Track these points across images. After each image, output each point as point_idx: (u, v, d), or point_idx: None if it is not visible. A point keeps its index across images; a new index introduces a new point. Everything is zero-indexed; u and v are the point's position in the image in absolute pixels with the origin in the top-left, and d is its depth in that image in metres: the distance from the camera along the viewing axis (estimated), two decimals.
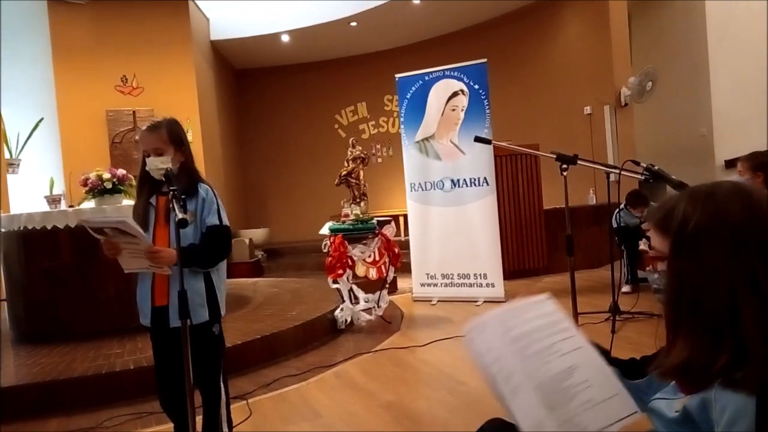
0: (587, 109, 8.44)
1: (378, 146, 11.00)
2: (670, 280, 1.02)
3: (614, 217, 5.48)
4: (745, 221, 0.95)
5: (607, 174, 3.56)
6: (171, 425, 2.45)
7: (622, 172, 2.76)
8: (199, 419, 2.37)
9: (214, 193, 2.33)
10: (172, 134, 2.28)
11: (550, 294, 1.22)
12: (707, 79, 7.56)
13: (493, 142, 3.01)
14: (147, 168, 2.23)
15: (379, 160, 10.87)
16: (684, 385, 1.02)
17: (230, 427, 2.45)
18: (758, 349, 0.90)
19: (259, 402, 3.23)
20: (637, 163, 2.66)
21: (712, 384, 0.93)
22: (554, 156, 2.64)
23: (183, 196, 1.96)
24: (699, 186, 1.06)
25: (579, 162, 2.66)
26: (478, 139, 2.94)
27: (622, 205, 5.43)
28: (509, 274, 6.31)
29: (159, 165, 2.16)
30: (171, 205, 1.97)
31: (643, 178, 2.63)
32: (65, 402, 3.30)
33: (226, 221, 2.32)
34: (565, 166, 2.65)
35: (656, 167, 2.92)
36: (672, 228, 1.02)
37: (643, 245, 4.98)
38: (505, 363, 1.08)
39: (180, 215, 1.84)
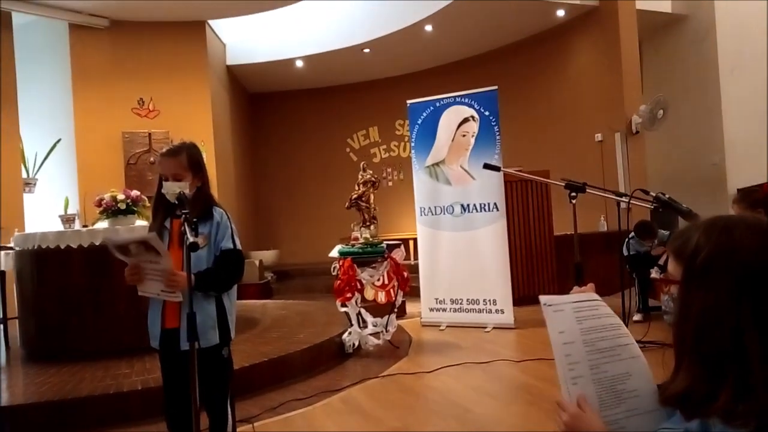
0: (598, 137, 8.45)
1: (389, 170, 11.07)
2: (679, 308, 1.02)
3: (625, 245, 5.45)
4: (758, 256, 0.95)
5: (618, 202, 3.56)
6: None
7: (632, 201, 2.76)
8: None
9: (228, 217, 2.37)
10: (191, 160, 2.33)
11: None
12: (719, 107, 7.56)
13: (502, 169, 3.02)
14: (163, 191, 2.26)
15: (390, 183, 10.93)
16: (686, 414, 1.02)
17: None
18: (761, 386, 0.89)
19: (265, 426, 3.22)
20: (647, 192, 2.67)
21: (712, 415, 0.93)
22: (563, 184, 2.65)
23: (195, 220, 2.00)
24: (720, 217, 1.06)
25: (588, 190, 2.67)
26: (487, 167, 2.96)
27: (632, 234, 5.41)
28: (519, 300, 6.25)
29: (176, 189, 2.19)
30: (183, 228, 2.00)
31: (652, 207, 2.63)
32: (72, 422, 3.30)
33: (239, 245, 2.35)
34: (574, 194, 2.66)
35: (666, 196, 2.92)
36: (685, 256, 1.03)
37: (654, 273, 4.94)
38: (575, 349, 1.11)
39: (191, 239, 1.87)
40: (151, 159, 7.68)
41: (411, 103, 6.15)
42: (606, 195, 2.82)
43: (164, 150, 2.39)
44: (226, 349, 2.37)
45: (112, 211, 4.44)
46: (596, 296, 1.24)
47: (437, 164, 5.94)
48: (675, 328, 1.03)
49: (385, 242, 5.21)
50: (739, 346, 0.92)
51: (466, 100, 5.81)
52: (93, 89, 7.85)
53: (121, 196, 4.45)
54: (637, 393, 1.13)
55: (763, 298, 0.94)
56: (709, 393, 0.93)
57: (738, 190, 3.42)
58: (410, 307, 6.68)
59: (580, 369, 1.10)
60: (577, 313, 1.16)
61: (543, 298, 1.15)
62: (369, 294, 5.37)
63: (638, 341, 3.88)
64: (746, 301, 0.94)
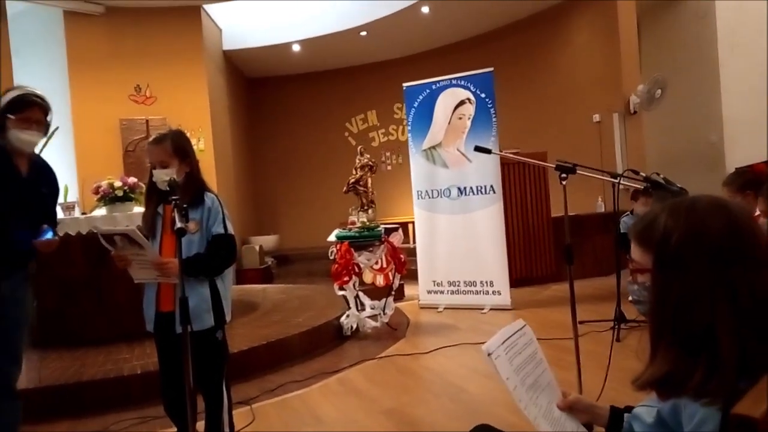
0: (596, 117, 8.42)
1: (387, 154, 11.06)
2: (654, 294, 1.03)
3: (620, 224, 5.46)
4: (727, 237, 0.97)
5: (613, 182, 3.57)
6: (175, 429, 2.50)
7: (622, 181, 2.78)
8: (201, 424, 2.42)
9: (220, 202, 2.40)
10: (176, 147, 2.35)
11: (523, 322, 1.36)
12: (717, 86, 7.51)
13: (492, 151, 3.03)
14: (154, 179, 2.29)
15: (389, 167, 10.93)
16: (662, 395, 1.04)
17: (232, 431, 2.50)
18: (731, 363, 0.91)
19: (263, 407, 3.27)
20: (637, 172, 2.67)
21: (685, 394, 0.96)
22: (553, 166, 2.67)
23: (185, 206, 2.02)
24: (680, 200, 1.07)
25: (578, 171, 2.68)
26: (478, 149, 2.97)
27: (628, 212, 5.42)
28: (516, 282, 6.30)
29: (164, 177, 2.22)
30: (173, 214, 2.03)
31: (642, 187, 2.64)
32: (74, 405, 3.37)
33: (231, 230, 2.39)
34: (564, 175, 2.67)
35: (661, 176, 2.92)
36: (654, 242, 1.03)
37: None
38: (520, 393, 1.24)
39: (179, 224, 1.90)
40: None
41: (407, 86, 6.14)
42: (596, 175, 2.83)
43: (150, 139, 2.42)
44: (220, 332, 2.41)
45: (109, 198, 4.47)
46: (519, 324, 1.35)
47: (434, 147, 5.94)
48: (652, 316, 1.04)
49: (382, 226, 5.24)
50: (713, 326, 0.94)
51: (463, 83, 5.80)
52: (89, 77, 7.82)
53: (118, 183, 4.47)
54: (562, 414, 1.29)
55: (735, 276, 0.96)
56: (687, 375, 0.95)
57: (736, 168, 3.42)
58: (408, 290, 6.73)
59: (531, 409, 1.22)
60: (507, 353, 1.27)
61: (483, 347, 1.25)
62: (367, 277, 5.42)
63: (633, 320, 3.90)
64: (720, 281, 0.96)
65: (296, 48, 9.87)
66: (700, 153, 7.80)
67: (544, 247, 6.78)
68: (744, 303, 0.94)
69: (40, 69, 8.02)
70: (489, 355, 1.23)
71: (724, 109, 7.49)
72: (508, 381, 1.22)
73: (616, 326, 4.10)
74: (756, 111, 7.20)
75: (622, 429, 1.24)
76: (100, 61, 7.88)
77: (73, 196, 6.17)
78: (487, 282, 5.63)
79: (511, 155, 3.72)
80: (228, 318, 2.44)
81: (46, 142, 7.40)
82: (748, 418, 0.83)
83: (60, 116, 8.17)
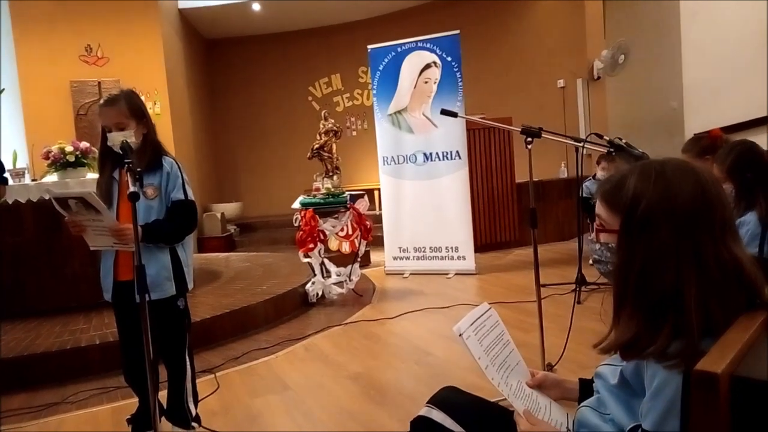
0: (560, 83, 8.46)
1: (352, 119, 10.90)
2: (620, 257, 1.03)
3: (582, 188, 5.54)
4: (695, 201, 0.97)
5: (576, 147, 3.58)
6: (136, 399, 2.45)
7: (587, 146, 2.78)
8: (164, 393, 2.38)
9: (179, 166, 2.30)
10: (131, 107, 2.23)
11: (488, 305, 1.39)
12: (679, 53, 7.60)
13: (458, 115, 2.98)
14: (110, 143, 2.15)
15: (354, 133, 10.79)
16: (625, 357, 1.05)
17: (196, 400, 2.46)
18: (695, 325, 0.92)
19: (227, 375, 3.24)
20: (601, 136, 2.68)
21: (648, 357, 0.96)
22: (519, 129, 2.64)
23: (139, 170, 1.92)
24: (649, 162, 1.06)
25: (544, 135, 2.67)
26: (444, 112, 2.92)
27: (590, 177, 5.50)
28: (481, 247, 6.37)
29: (120, 139, 2.10)
30: (127, 178, 1.93)
31: (606, 150, 2.65)
32: (31, 378, 3.27)
33: (191, 196, 2.30)
34: (530, 139, 2.66)
35: (623, 140, 2.94)
36: (622, 204, 1.02)
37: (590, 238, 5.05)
38: (492, 372, 1.27)
39: (132, 188, 1.80)
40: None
41: (372, 48, 6.00)
42: (561, 140, 2.83)
43: (102, 100, 2.28)
44: (182, 300, 2.35)
45: (60, 163, 4.27)
46: (485, 307, 1.38)
47: (399, 112, 5.87)
48: (617, 278, 1.04)
49: (348, 193, 5.18)
50: (678, 291, 0.94)
51: (428, 45, 5.70)
52: (36, 35, 7.38)
53: (69, 148, 4.26)
54: (533, 391, 1.32)
55: (700, 240, 0.96)
56: (651, 338, 0.95)
57: (694, 134, 3.48)
58: (374, 257, 6.74)
59: (503, 387, 1.25)
60: (477, 333, 1.29)
61: (454, 328, 1.26)
62: (333, 244, 5.37)
63: (593, 283, 3.99)
64: (686, 245, 0.96)
65: (256, 7, 9.50)
66: (660, 119, 7.95)
67: (508, 213, 6.85)
68: (709, 267, 0.95)
69: None
70: (460, 335, 1.25)
71: (684, 75, 7.61)
72: (480, 360, 1.25)
73: (578, 289, 4.20)
74: (715, 77, 7.35)
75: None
76: (47, 18, 7.42)
77: (22, 162, 5.87)
78: (452, 248, 5.67)
79: (478, 119, 3.69)
80: (190, 286, 2.37)
81: None
82: (710, 373, 0.83)
83: (6, 78, 7.77)
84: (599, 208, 1.11)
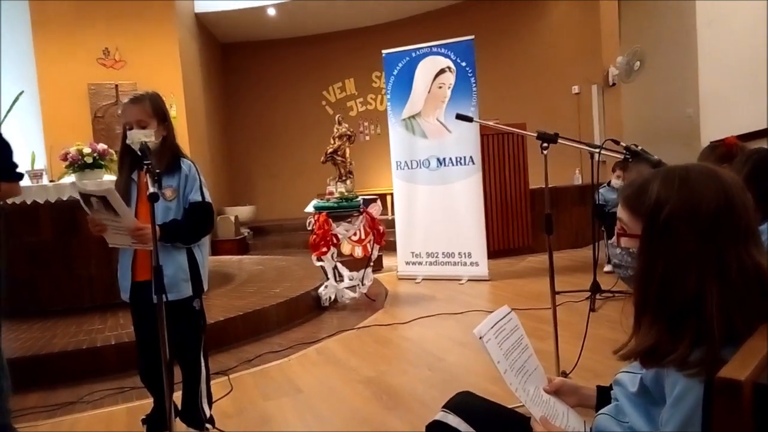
0: (575, 89, 8.42)
1: (366, 124, 10.93)
2: (641, 263, 1.02)
3: (597, 196, 5.51)
4: (718, 207, 0.95)
5: (592, 153, 3.56)
6: (151, 400, 2.46)
7: (603, 151, 2.76)
8: (179, 394, 2.39)
9: (197, 169, 2.33)
10: (155, 107, 2.27)
11: (509, 308, 1.37)
12: (695, 59, 7.54)
13: (474, 120, 2.98)
14: (128, 141, 2.18)
15: (367, 138, 10.82)
16: (645, 364, 1.04)
17: (210, 402, 2.47)
18: (717, 333, 0.90)
19: (241, 378, 3.25)
20: (617, 142, 2.66)
21: (668, 365, 0.95)
22: (535, 135, 2.63)
23: (158, 171, 1.94)
24: (672, 168, 1.05)
25: (560, 141, 2.65)
26: (459, 117, 2.92)
27: (605, 183, 5.46)
28: (494, 253, 6.34)
29: (141, 138, 2.12)
30: (146, 179, 1.95)
31: (622, 157, 2.63)
32: (46, 377, 3.30)
33: (208, 198, 2.33)
34: (545, 144, 2.64)
35: (639, 147, 2.92)
36: (645, 209, 1.01)
37: (607, 267, 5.03)
38: (511, 376, 1.26)
39: (151, 189, 1.82)
40: (119, 111, 7.43)
41: (386, 53, 6.02)
42: (578, 146, 2.81)
43: (127, 98, 2.32)
44: (197, 301, 2.37)
45: (78, 165, 4.33)
46: (506, 309, 1.36)
47: (413, 117, 5.87)
48: (638, 284, 1.02)
49: (361, 197, 5.19)
50: (700, 298, 0.93)
51: (443, 51, 5.70)
52: (55, 39, 7.50)
53: (87, 150, 4.32)
54: (551, 397, 1.30)
55: (723, 247, 0.95)
56: (672, 346, 0.94)
57: (711, 142, 3.45)
58: (387, 261, 6.73)
59: (521, 393, 1.23)
60: (497, 336, 1.28)
61: (474, 331, 1.25)
62: (345, 249, 5.39)
63: (608, 291, 3.95)
64: (708, 252, 0.95)
65: (271, 12, 9.59)
66: (676, 126, 7.88)
67: (522, 219, 6.82)
68: (731, 274, 0.94)
69: (2, 31, 7.65)
70: (480, 338, 1.24)
71: (700, 83, 7.54)
72: (499, 365, 1.24)
73: (592, 296, 4.16)
74: (731, 85, 7.28)
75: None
76: (66, 22, 7.55)
77: (40, 164, 5.96)
78: (465, 253, 5.65)
79: (493, 124, 3.69)
80: (206, 287, 2.39)
81: (10, 108, 7.11)
82: (733, 381, 0.82)
83: (25, 81, 7.89)
84: (621, 212, 1.10)
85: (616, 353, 1.08)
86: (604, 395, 1.29)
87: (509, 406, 1.40)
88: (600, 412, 1.22)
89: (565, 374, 2.79)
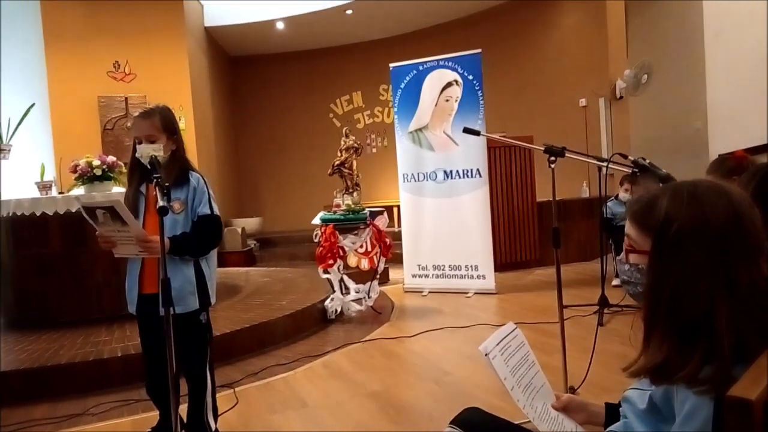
0: (582, 102, 8.43)
1: (373, 136, 10.97)
2: (651, 279, 1.01)
3: (604, 209, 5.48)
4: (728, 223, 0.95)
5: (599, 167, 3.56)
6: (157, 413, 2.46)
7: (611, 165, 2.76)
8: (184, 407, 2.39)
9: (205, 182, 2.34)
10: (165, 122, 2.29)
11: (514, 324, 1.38)
12: (703, 72, 7.53)
13: (481, 133, 2.99)
14: (137, 155, 2.21)
15: (374, 150, 10.85)
16: (654, 381, 1.03)
17: (215, 415, 2.46)
18: (727, 350, 0.90)
19: (246, 390, 3.24)
20: (625, 156, 2.66)
21: (678, 381, 0.94)
22: (542, 148, 2.63)
23: (167, 184, 1.96)
24: (681, 183, 1.05)
25: (567, 154, 2.65)
26: (466, 131, 2.92)
27: (613, 197, 5.44)
28: (501, 266, 6.32)
29: (150, 152, 2.15)
30: (155, 193, 1.96)
31: (630, 171, 2.62)
32: (52, 388, 3.30)
33: (216, 211, 2.33)
34: (553, 158, 2.64)
35: (647, 161, 2.91)
36: (653, 226, 1.01)
37: (615, 281, 4.99)
38: (517, 393, 1.27)
39: (161, 203, 1.83)
40: (128, 124, 7.51)
41: (394, 67, 6.06)
42: (585, 159, 2.81)
43: (137, 113, 2.34)
44: (204, 315, 2.37)
45: (87, 177, 4.36)
46: (511, 326, 1.37)
47: (420, 130, 5.89)
48: (647, 300, 1.02)
49: (367, 209, 5.19)
50: (710, 315, 0.93)
51: (450, 64, 5.73)
52: (66, 52, 7.60)
53: (96, 162, 4.36)
54: (558, 414, 1.30)
55: (733, 263, 0.94)
56: (681, 363, 0.94)
57: (719, 155, 3.43)
58: (393, 274, 6.72)
59: (529, 409, 1.23)
60: (503, 353, 1.29)
61: (480, 348, 1.26)
62: (352, 261, 5.39)
63: (616, 305, 3.92)
64: (719, 268, 0.94)
65: (280, 26, 9.68)
66: (684, 139, 7.85)
67: (529, 232, 6.80)
68: (742, 291, 0.93)
69: (15, 44, 7.77)
70: (486, 355, 1.24)
71: (708, 96, 7.53)
72: (506, 381, 1.23)
73: (600, 311, 4.13)
74: (740, 98, 7.25)
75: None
76: (78, 36, 7.65)
77: (50, 175, 6.01)
78: (471, 266, 5.63)
79: (500, 138, 3.69)
80: (213, 300, 2.39)
81: (21, 120, 7.19)
82: (744, 400, 0.81)
83: (36, 93, 7.99)
84: (629, 228, 1.09)
85: (626, 370, 1.07)
86: (612, 412, 1.27)
87: (516, 422, 1.38)
88: (608, 429, 1.20)
89: (573, 390, 2.77)
